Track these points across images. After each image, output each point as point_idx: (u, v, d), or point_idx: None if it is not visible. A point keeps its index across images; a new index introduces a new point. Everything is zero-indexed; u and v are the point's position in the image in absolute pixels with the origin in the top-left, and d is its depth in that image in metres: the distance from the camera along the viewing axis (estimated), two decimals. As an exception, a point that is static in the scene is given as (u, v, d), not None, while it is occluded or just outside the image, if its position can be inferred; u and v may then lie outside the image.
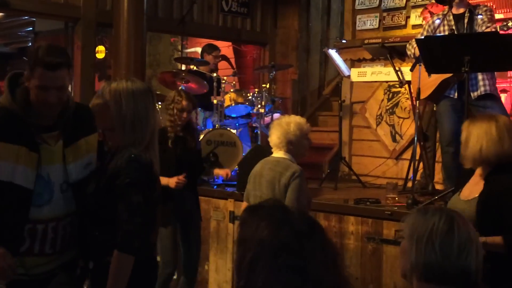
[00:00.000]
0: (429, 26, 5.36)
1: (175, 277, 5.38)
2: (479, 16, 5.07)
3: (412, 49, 5.40)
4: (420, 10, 6.88)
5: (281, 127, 4.26)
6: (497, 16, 5.72)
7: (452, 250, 2.03)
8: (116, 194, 2.75)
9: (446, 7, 5.23)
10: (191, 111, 5.33)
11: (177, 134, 5.14)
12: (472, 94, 4.98)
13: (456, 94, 5.14)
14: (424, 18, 6.33)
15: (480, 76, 5.01)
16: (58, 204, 2.89)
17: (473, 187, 3.44)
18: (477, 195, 3.35)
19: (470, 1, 5.38)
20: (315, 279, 1.54)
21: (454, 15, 5.20)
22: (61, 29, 9.20)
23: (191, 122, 5.43)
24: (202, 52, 8.29)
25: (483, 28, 4.97)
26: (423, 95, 5.35)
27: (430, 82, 5.23)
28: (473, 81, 4.97)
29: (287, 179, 4.13)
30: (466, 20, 5.13)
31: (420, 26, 6.59)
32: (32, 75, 2.78)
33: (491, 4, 6.23)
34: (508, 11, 6.27)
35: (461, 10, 5.18)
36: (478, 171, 3.46)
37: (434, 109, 5.75)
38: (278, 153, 4.30)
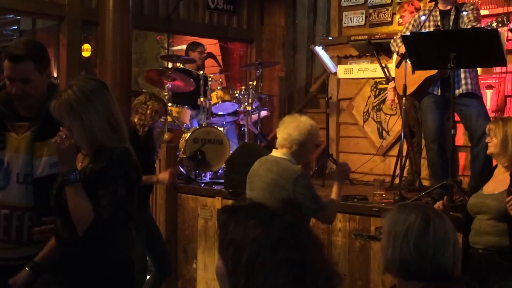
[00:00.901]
0: (415, 21, 5.36)
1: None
2: (465, 13, 5.08)
3: (397, 46, 5.40)
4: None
5: (293, 125, 3.96)
6: (483, 12, 5.73)
7: (428, 248, 2.06)
8: (101, 184, 2.60)
9: (432, 3, 5.23)
10: (162, 115, 5.57)
11: (144, 134, 5.22)
12: (455, 91, 4.99)
13: (439, 91, 5.15)
14: (401, 17, 6.32)
15: (462, 75, 5.02)
16: (11, 192, 2.91)
17: (497, 183, 3.60)
18: (503, 189, 3.48)
19: (457, -1, 5.39)
20: (312, 270, 1.55)
21: (440, 11, 5.20)
22: (46, 28, 9.15)
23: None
24: (186, 50, 8.28)
25: (469, 26, 4.97)
26: (406, 92, 5.37)
27: (414, 79, 5.23)
28: (455, 79, 4.98)
29: (287, 181, 3.85)
30: (452, 17, 5.14)
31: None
32: (4, 68, 2.86)
33: (477, 1, 6.24)
34: (493, 7, 6.29)
35: (448, 7, 5.18)
36: (500, 168, 3.69)
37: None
38: (278, 152, 4.00)
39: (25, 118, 2.96)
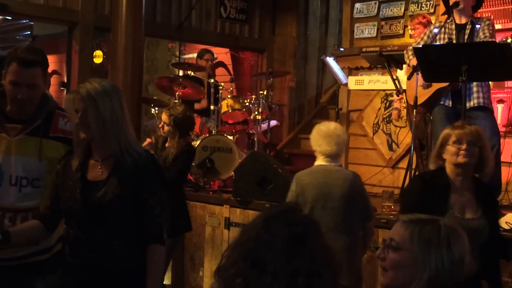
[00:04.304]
0: (430, 32, 5.36)
1: None
2: (480, 28, 5.06)
3: (408, 59, 5.41)
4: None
5: (337, 136, 4.12)
6: (495, 26, 5.72)
7: (455, 261, 2.05)
8: (144, 191, 2.73)
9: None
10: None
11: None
12: (466, 104, 4.98)
13: (450, 103, 5.14)
14: (413, 29, 6.31)
15: (475, 88, 5.00)
16: (3, 195, 2.93)
17: (466, 203, 3.40)
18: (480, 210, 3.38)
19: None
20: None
21: (456, 24, 5.19)
22: (59, 33, 9.19)
23: None
24: (196, 58, 8.32)
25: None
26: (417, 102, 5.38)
27: (425, 89, 5.23)
28: (467, 92, 4.97)
29: (356, 185, 4.13)
30: (467, 31, 5.13)
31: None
32: (7, 71, 2.86)
33: (490, 15, 6.23)
34: (506, 21, 6.28)
35: (464, 20, 5.17)
36: (461, 184, 3.40)
37: (431, 117, 5.76)
38: (331, 163, 4.15)
39: (15, 121, 2.97)
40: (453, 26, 5.19)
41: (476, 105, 4.99)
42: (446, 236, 2.07)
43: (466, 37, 5.11)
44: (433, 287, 2.04)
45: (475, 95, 5.01)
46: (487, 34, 5.00)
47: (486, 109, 5.06)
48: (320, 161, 4.17)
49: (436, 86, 5.13)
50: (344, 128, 4.25)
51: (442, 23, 5.26)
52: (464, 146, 3.31)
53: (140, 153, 2.76)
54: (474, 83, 4.96)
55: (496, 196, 4.27)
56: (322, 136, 4.14)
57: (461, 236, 2.11)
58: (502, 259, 3.88)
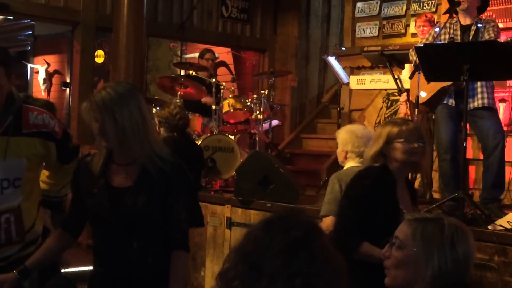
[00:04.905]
0: (435, 32, 5.35)
1: None
2: (485, 29, 5.04)
3: (412, 58, 5.40)
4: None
5: (368, 139, 4.09)
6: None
7: (459, 260, 2.05)
8: (171, 196, 2.70)
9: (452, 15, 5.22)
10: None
11: None
12: (469, 104, 4.97)
13: (453, 102, 5.13)
14: (420, 26, 6.31)
15: (479, 88, 4.98)
16: None
17: (407, 200, 3.42)
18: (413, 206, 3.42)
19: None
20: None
21: (461, 25, 5.18)
22: (60, 33, 9.21)
23: None
24: (198, 58, 8.33)
25: None
26: (420, 100, 5.36)
27: (429, 88, 5.22)
28: (471, 92, 4.95)
29: None
30: (472, 32, 5.12)
31: (419, 34, 6.58)
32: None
33: (491, 14, 6.22)
34: (507, 20, 6.27)
35: (468, 21, 5.16)
36: (402, 181, 3.44)
37: (433, 117, 5.75)
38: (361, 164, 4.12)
39: None
40: (458, 27, 5.17)
41: (480, 105, 4.98)
42: (450, 235, 2.06)
43: (470, 38, 5.09)
44: (437, 287, 2.04)
45: (479, 95, 4.99)
46: (492, 35, 4.98)
47: (491, 109, 5.05)
48: (355, 162, 4.12)
49: (439, 84, 5.12)
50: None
51: (442, 24, 5.26)
52: (416, 145, 3.29)
53: (165, 159, 2.69)
54: (479, 83, 4.94)
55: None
56: (359, 137, 4.12)
57: (466, 235, 2.10)
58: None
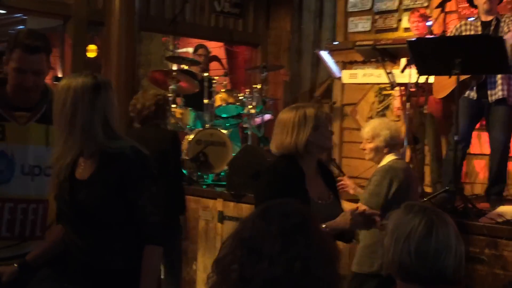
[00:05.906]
0: (456, 30, 5.33)
1: None
2: (503, 23, 5.06)
3: None
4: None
5: None
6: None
7: (428, 253, 2.05)
8: (131, 191, 2.60)
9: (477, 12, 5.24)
10: None
11: None
12: (489, 97, 4.98)
13: (475, 96, 5.13)
14: (412, 22, 6.30)
15: (499, 80, 4.98)
16: (16, 185, 2.86)
17: (319, 188, 3.23)
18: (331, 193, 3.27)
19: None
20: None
21: (482, 22, 5.20)
22: (52, 27, 9.16)
23: None
24: (192, 54, 8.33)
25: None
26: (440, 95, 5.33)
27: (449, 82, 5.20)
28: (492, 85, 4.96)
29: None
30: (492, 28, 5.14)
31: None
32: (11, 58, 2.78)
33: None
34: None
35: (489, 18, 5.18)
36: (313, 168, 3.26)
37: (425, 111, 5.76)
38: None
39: (19, 108, 2.90)
40: (479, 23, 5.19)
41: (500, 97, 4.98)
42: (426, 226, 2.07)
43: (490, 33, 5.11)
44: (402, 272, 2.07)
45: (499, 87, 4.99)
46: (511, 28, 5.01)
47: (506, 104, 5.04)
48: (394, 155, 4.17)
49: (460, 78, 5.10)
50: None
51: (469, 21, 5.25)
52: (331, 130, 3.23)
53: (122, 148, 2.60)
54: (499, 76, 4.94)
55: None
56: (398, 131, 4.20)
57: (446, 224, 2.11)
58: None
